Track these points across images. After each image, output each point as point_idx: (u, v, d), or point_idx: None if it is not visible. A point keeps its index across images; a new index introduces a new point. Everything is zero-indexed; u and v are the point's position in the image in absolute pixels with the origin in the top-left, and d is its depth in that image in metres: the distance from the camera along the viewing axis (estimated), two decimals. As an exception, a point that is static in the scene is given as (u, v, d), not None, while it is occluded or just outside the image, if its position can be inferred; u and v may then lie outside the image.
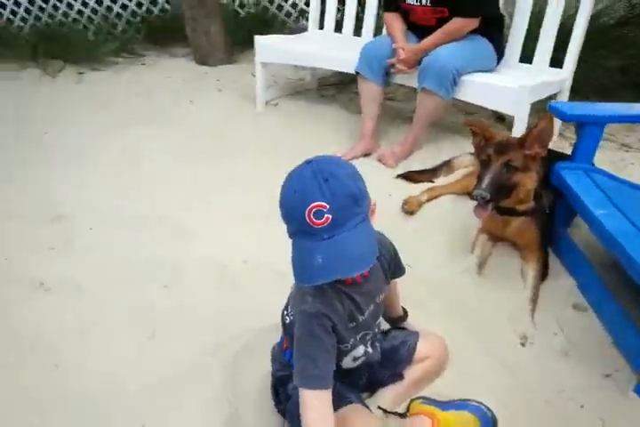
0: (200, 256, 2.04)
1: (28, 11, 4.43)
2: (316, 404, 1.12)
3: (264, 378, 1.45)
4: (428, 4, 2.46)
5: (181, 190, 2.50)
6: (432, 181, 2.46)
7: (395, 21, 2.59)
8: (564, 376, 1.53)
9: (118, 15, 4.77)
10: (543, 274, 1.88)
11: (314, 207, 1.00)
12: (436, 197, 2.34)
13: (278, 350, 1.43)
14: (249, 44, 3.31)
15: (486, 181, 1.72)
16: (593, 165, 1.86)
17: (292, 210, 1.04)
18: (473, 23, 2.41)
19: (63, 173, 2.66)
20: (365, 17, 3.12)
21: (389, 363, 1.44)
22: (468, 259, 1.97)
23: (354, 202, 1.04)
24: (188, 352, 1.61)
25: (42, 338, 1.67)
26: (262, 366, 1.45)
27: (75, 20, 4.43)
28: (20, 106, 3.45)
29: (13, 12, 4.44)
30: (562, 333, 1.69)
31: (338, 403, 1.24)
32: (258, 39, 3.10)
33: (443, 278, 1.90)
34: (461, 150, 2.57)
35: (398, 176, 2.52)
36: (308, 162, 1.06)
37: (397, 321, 1.56)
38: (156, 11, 4.77)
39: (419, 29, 2.55)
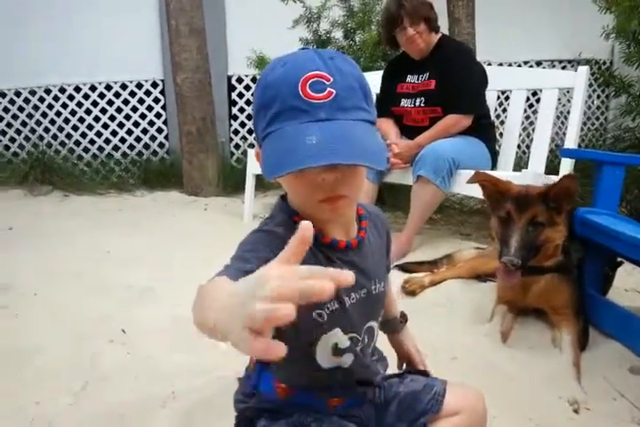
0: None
1: (27, 138, 4.60)
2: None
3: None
4: (422, 104, 2.53)
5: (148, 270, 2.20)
6: (432, 272, 2.18)
7: (387, 124, 2.62)
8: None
9: (117, 162, 4.95)
10: (582, 341, 1.51)
11: (313, 77, 0.73)
12: (439, 282, 2.05)
13: (244, 376, 1.03)
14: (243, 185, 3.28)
15: (514, 244, 1.46)
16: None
17: (277, 85, 0.74)
18: (467, 120, 2.44)
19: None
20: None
21: (408, 413, 0.97)
22: (488, 326, 1.61)
23: (362, 91, 0.78)
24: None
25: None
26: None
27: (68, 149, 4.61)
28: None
29: (12, 139, 4.61)
30: (622, 398, 1.27)
31: None
32: (250, 151, 3.12)
33: (462, 342, 1.53)
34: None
35: (395, 267, 2.25)
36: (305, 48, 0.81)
37: (391, 325, 1.11)
38: (155, 159, 4.97)
39: (412, 132, 2.57)
